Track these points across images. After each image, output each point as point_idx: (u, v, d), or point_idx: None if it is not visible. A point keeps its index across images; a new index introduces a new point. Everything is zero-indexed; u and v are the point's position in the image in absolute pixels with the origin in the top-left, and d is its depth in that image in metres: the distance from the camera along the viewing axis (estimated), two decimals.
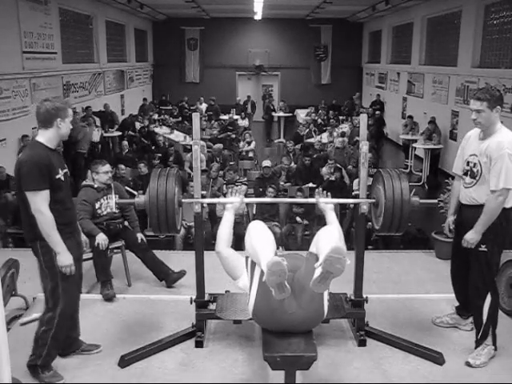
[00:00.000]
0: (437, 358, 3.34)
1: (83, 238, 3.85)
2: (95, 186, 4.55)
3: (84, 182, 4.70)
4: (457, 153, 3.57)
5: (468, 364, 3.28)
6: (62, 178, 3.02)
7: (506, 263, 4.02)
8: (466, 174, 3.35)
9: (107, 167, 4.59)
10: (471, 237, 3.22)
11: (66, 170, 3.10)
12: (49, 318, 3.08)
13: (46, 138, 2.98)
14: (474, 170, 3.26)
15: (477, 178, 3.24)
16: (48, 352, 3.09)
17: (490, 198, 3.14)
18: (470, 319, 3.67)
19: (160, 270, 4.54)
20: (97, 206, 4.51)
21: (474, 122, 3.25)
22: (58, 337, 3.12)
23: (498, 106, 3.15)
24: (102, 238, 4.28)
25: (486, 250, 3.20)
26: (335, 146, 10.42)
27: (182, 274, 4.50)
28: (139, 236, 4.62)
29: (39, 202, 2.87)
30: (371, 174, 5.09)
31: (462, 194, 3.39)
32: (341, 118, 15.88)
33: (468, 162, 3.33)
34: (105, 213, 4.54)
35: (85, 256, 3.75)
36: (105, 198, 4.56)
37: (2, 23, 8.73)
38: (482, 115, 3.17)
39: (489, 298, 3.25)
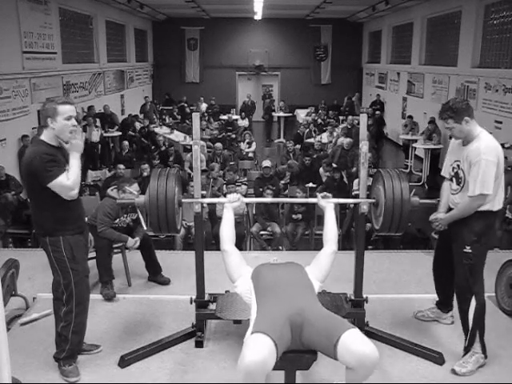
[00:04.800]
0: (437, 358, 3.34)
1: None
2: None
3: (111, 193, 4.63)
4: None
5: (454, 372, 3.22)
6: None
7: (506, 263, 4.02)
8: (452, 180, 3.38)
9: (135, 187, 4.48)
10: (442, 217, 3.35)
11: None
12: (65, 312, 3.11)
13: (47, 136, 3.04)
14: (459, 176, 3.28)
15: (461, 184, 3.26)
16: (70, 346, 3.14)
17: (467, 200, 3.17)
18: (450, 313, 3.75)
19: (152, 265, 4.63)
20: (116, 221, 4.53)
21: (453, 137, 3.33)
22: (78, 330, 3.17)
23: (466, 117, 3.15)
24: (133, 242, 4.43)
25: (470, 251, 3.19)
26: (342, 146, 10.36)
27: (167, 281, 4.59)
28: (129, 242, 4.46)
29: (65, 183, 2.91)
30: (371, 174, 5.09)
31: (450, 200, 3.41)
32: (341, 118, 15.90)
33: (453, 168, 3.36)
34: (117, 226, 4.55)
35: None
36: (125, 215, 4.58)
37: (2, 23, 8.73)
38: (453, 131, 3.21)
39: (473, 303, 3.20)
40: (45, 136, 3.04)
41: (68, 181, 2.92)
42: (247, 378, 2.22)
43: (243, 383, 2.24)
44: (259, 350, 2.21)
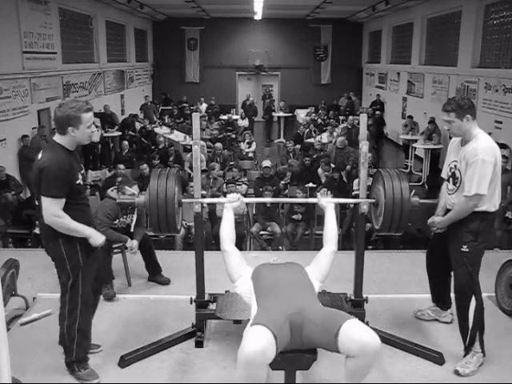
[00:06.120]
0: (437, 358, 3.34)
1: None
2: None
3: (111, 194, 4.65)
4: None
5: (457, 373, 3.22)
6: (81, 183, 3.05)
7: (506, 263, 4.02)
8: (448, 180, 3.38)
9: (134, 188, 4.48)
10: (439, 221, 3.39)
11: (82, 171, 3.12)
12: (70, 309, 3.05)
13: (63, 141, 2.94)
14: (455, 176, 3.29)
15: (457, 184, 3.26)
16: (78, 345, 3.08)
17: (462, 201, 3.18)
18: (449, 311, 3.75)
19: (152, 265, 4.65)
20: (115, 221, 4.54)
21: (449, 133, 3.34)
22: (84, 327, 3.11)
23: (468, 115, 3.15)
24: (135, 244, 4.44)
25: (467, 250, 3.20)
26: (337, 146, 10.38)
27: (166, 281, 4.61)
28: (129, 242, 4.48)
29: (56, 208, 2.87)
30: (371, 174, 5.09)
31: (446, 200, 3.42)
32: (341, 118, 15.90)
33: (450, 168, 3.36)
34: (116, 226, 4.56)
35: None
36: (124, 216, 4.59)
37: (2, 23, 8.73)
38: (452, 125, 3.21)
39: (473, 302, 3.20)
40: (61, 140, 2.92)
41: (57, 209, 2.85)
42: (247, 368, 2.22)
43: (243, 380, 2.24)
44: (258, 340, 2.22)
